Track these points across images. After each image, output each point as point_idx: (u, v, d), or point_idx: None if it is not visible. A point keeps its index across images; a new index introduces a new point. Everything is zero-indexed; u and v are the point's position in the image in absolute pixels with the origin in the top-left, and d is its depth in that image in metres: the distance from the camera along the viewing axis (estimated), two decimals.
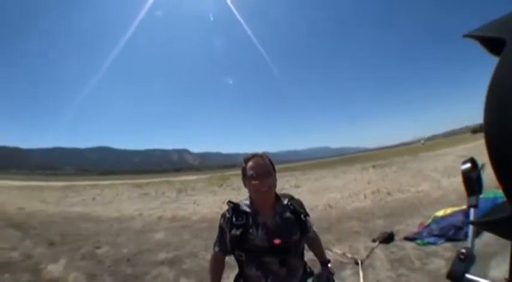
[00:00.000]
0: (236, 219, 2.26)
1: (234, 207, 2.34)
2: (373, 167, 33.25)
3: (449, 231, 6.72)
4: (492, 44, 0.64)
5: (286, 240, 2.22)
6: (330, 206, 12.92)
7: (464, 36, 0.70)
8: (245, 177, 2.34)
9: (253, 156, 2.37)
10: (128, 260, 7.61)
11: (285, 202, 2.42)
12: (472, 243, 1.17)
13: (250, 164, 2.31)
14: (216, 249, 2.42)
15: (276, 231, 2.22)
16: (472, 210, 1.13)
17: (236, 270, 2.40)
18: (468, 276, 1.06)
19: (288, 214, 2.35)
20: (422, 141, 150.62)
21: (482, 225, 0.76)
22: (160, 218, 13.75)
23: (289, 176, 35.40)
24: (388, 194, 14.14)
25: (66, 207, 19.22)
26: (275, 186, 2.34)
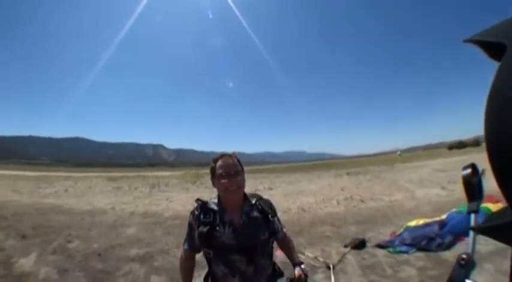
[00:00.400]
0: (204, 217, 2.31)
1: (202, 205, 2.39)
2: (348, 174, 33.50)
3: (422, 241, 6.78)
4: (493, 49, 0.64)
5: (253, 239, 2.29)
6: (303, 210, 13.00)
7: (465, 41, 0.70)
8: (214, 177, 2.38)
9: (222, 155, 2.42)
10: (99, 255, 7.53)
11: (253, 202, 2.48)
12: (472, 249, 1.11)
13: (219, 163, 2.36)
14: (186, 246, 2.45)
15: (243, 230, 2.29)
16: (472, 216, 1.08)
17: (206, 270, 2.45)
18: (468, 281, 1.02)
19: (255, 213, 2.40)
20: (398, 152, 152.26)
21: (483, 231, 0.74)
22: (132, 213, 13.68)
23: (264, 178, 35.58)
24: (361, 201, 14.29)
25: (39, 198, 19.05)
26: (244, 185, 2.40)
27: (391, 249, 6.85)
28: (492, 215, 0.71)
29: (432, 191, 14.13)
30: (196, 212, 2.37)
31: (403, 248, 6.78)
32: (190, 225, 2.40)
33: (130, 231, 10.04)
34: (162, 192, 22.61)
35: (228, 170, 2.30)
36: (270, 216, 2.44)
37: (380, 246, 7.17)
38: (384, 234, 8.14)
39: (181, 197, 19.42)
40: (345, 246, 7.34)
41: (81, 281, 6.03)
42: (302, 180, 29.53)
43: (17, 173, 51.96)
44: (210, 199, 2.47)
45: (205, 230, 2.24)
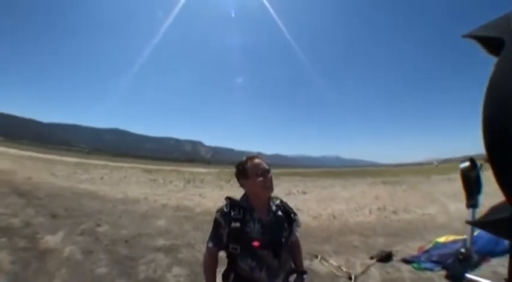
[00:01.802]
0: (234, 213, 2.38)
1: (232, 203, 2.48)
2: (384, 183, 33.00)
3: (448, 259, 6.52)
4: (491, 44, 0.67)
5: (278, 235, 2.43)
6: (334, 217, 12.86)
7: (463, 36, 0.74)
8: (244, 178, 2.49)
9: (251, 157, 2.56)
10: (126, 241, 7.72)
11: (277, 202, 2.62)
12: (471, 243, 1.20)
13: (252, 163, 2.48)
14: (210, 244, 2.49)
15: (270, 227, 2.41)
16: (471, 210, 1.17)
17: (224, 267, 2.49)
18: (468, 276, 1.09)
19: (279, 213, 2.54)
20: (435, 163, 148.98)
21: (481, 226, 0.79)
22: (164, 205, 13.88)
23: (299, 181, 35.38)
24: (394, 212, 14.00)
25: (74, 183, 19.52)
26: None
27: (415, 265, 6.70)
28: (491, 210, 0.74)
29: (464, 206, 13.79)
30: (225, 209, 2.44)
31: (429, 265, 6.60)
32: (217, 223, 2.46)
33: (160, 222, 10.19)
34: (196, 188, 22.81)
35: (263, 168, 2.44)
36: (292, 215, 2.60)
37: (406, 260, 7.02)
38: (412, 248, 7.93)
39: (214, 194, 19.52)
40: (371, 258, 7.22)
41: (103, 263, 6.20)
42: (336, 186, 29.28)
43: (55, 157, 53.57)
44: (237, 198, 2.57)
45: (238, 225, 2.34)
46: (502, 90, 0.59)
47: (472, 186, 1.18)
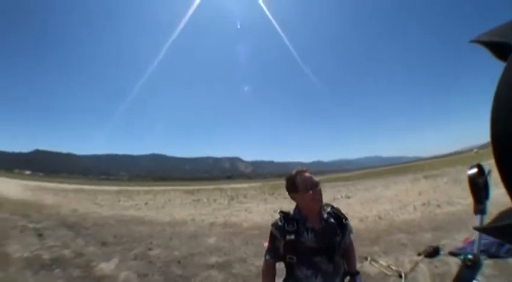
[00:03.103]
0: (288, 226, 2.56)
1: (285, 216, 2.64)
2: (425, 177, 32.73)
3: (492, 248, 6.60)
4: (499, 49, 0.69)
5: (331, 241, 2.58)
6: (380, 218, 12.91)
7: (471, 41, 0.73)
8: (294, 192, 2.64)
9: (299, 171, 2.67)
10: (179, 262, 7.96)
11: (328, 210, 2.76)
12: (478, 249, 1.23)
13: (302, 177, 2.61)
14: (267, 257, 2.70)
15: (323, 234, 2.56)
16: (479, 217, 1.18)
17: (283, 277, 2.69)
18: None
19: (331, 219, 2.68)
20: (475, 150, 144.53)
21: (489, 232, 0.76)
22: (212, 223, 14.07)
23: (341, 186, 35.31)
24: (438, 206, 13.96)
25: (119, 210, 19.99)
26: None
27: (462, 257, 6.70)
28: (499, 215, 0.75)
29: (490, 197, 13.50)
30: (279, 223, 2.61)
31: None
32: (273, 236, 2.65)
33: (210, 240, 10.40)
34: (241, 204, 22.91)
35: (311, 183, 2.58)
36: (343, 220, 2.72)
37: (453, 253, 7.06)
38: (458, 240, 7.97)
39: (260, 208, 19.64)
40: (418, 254, 7.30)
41: None
42: (378, 187, 29.22)
43: (96, 187, 54.26)
44: (289, 211, 2.73)
45: (293, 237, 2.51)
46: (510, 95, 0.63)
47: (480, 192, 1.18)
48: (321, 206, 2.70)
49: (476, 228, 0.97)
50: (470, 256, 1.16)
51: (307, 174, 2.63)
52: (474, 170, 1.19)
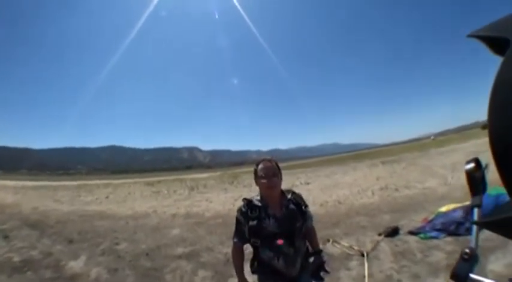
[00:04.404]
0: (251, 213, 2.76)
1: (248, 203, 2.84)
2: (382, 163, 33.58)
3: (451, 226, 6.93)
4: (496, 43, 0.70)
5: (292, 227, 2.77)
6: (339, 202, 13.21)
7: (468, 36, 0.74)
8: (256, 177, 2.86)
9: (263, 160, 2.90)
10: (147, 254, 8.00)
11: (289, 196, 2.93)
12: (476, 243, 1.17)
13: (260, 166, 2.83)
14: (235, 240, 2.91)
15: (283, 221, 2.76)
16: (476, 210, 1.14)
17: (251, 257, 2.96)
18: (472, 276, 1.06)
19: (292, 206, 2.86)
20: (432, 137, 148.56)
21: (486, 226, 0.78)
22: (174, 215, 14.12)
23: (300, 173, 35.84)
24: (396, 190, 14.39)
25: (80, 205, 19.69)
26: (280, 184, 2.84)
27: (422, 235, 7.05)
28: (496, 209, 0.77)
29: (464, 176, 13.95)
30: (243, 209, 2.81)
31: (434, 234, 6.96)
32: (238, 221, 2.84)
33: (175, 232, 10.47)
34: (201, 194, 22.97)
35: (267, 172, 2.76)
36: (303, 207, 2.90)
37: (412, 232, 7.38)
38: (417, 221, 8.32)
39: (221, 197, 19.74)
40: (379, 234, 7.57)
41: (132, 279, 6.47)
42: (337, 173, 29.69)
43: (55, 183, 53.24)
44: (252, 197, 2.92)
45: (255, 223, 2.71)
46: (508, 90, 0.63)
47: (477, 186, 1.17)
48: (281, 194, 2.89)
49: (474, 223, 1.06)
50: (467, 250, 1.11)
51: (267, 164, 2.83)
52: (471, 165, 1.19)
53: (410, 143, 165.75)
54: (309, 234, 3.10)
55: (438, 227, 7.15)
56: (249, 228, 2.74)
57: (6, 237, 10.35)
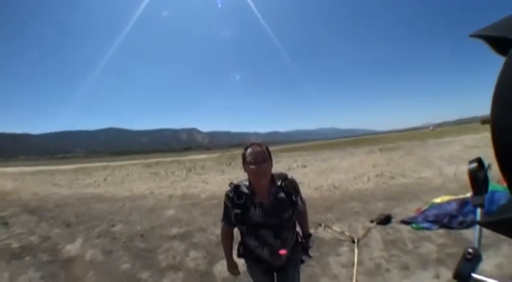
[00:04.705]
0: (237, 199, 2.69)
1: (235, 188, 2.75)
2: (380, 150, 33.51)
3: (444, 219, 6.88)
4: (499, 43, 0.69)
5: (279, 217, 2.68)
6: (334, 187, 13.23)
7: (471, 35, 0.74)
8: (244, 163, 2.70)
9: (252, 144, 2.73)
10: (142, 235, 8.13)
11: (279, 183, 2.76)
12: (479, 243, 1.18)
13: (249, 150, 2.66)
14: (223, 223, 2.89)
15: (271, 210, 2.67)
16: (478, 210, 1.16)
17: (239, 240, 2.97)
18: (475, 276, 1.07)
19: (281, 194, 2.72)
20: (431, 127, 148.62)
21: (489, 225, 0.76)
22: (171, 196, 14.25)
23: (298, 156, 36.24)
24: (391, 177, 14.37)
25: (78, 189, 19.79)
26: (270, 171, 2.68)
27: (414, 225, 7.02)
28: (498, 209, 0.76)
29: (460, 168, 13.81)
30: (230, 195, 2.73)
31: (426, 225, 6.93)
32: (225, 205, 2.78)
33: (170, 213, 10.60)
34: (199, 175, 23.06)
35: (256, 157, 2.58)
36: (293, 197, 2.74)
37: (404, 222, 7.35)
38: (410, 210, 8.27)
39: (217, 178, 19.84)
40: (371, 221, 7.58)
41: (125, 259, 6.59)
42: (335, 158, 29.75)
43: (53, 167, 53.35)
44: (241, 182, 2.81)
45: (240, 211, 2.64)
46: (511, 89, 0.61)
47: (479, 185, 1.17)
48: (271, 180, 2.73)
49: (477, 223, 1.09)
50: (470, 249, 1.12)
51: (257, 149, 2.66)
52: (474, 164, 1.17)
53: (409, 132, 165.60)
54: (300, 218, 3.06)
55: (431, 218, 7.10)
56: (234, 215, 2.69)
57: (5, 224, 10.48)
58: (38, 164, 78.39)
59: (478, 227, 1.20)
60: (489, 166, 1.20)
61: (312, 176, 17.41)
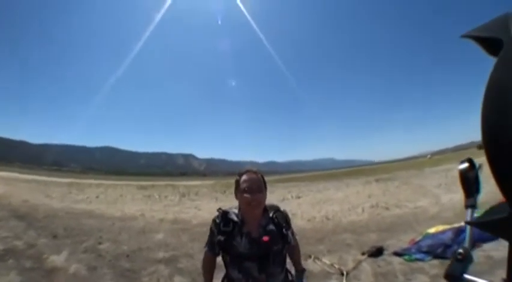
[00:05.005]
0: (224, 226, 2.49)
1: (223, 215, 2.55)
2: (376, 180, 33.41)
3: (438, 249, 6.75)
4: (489, 44, 0.69)
5: (266, 250, 2.44)
6: (327, 218, 13.09)
7: (462, 36, 0.74)
8: (237, 190, 2.53)
9: (248, 170, 2.56)
10: (128, 256, 8.02)
11: (270, 215, 2.60)
12: (470, 243, 1.16)
13: (244, 177, 2.49)
14: (206, 249, 2.67)
15: (258, 242, 2.43)
16: (469, 211, 1.13)
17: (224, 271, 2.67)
18: (466, 276, 1.06)
19: (271, 226, 2.53)
20: (429, 156, 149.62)
21: (480, 226, 0.79)
22: (162, 219, 14.11)
23: (293, 186, 35.90)
24: (386, 208, 14.27)
25: (70, 203, 19.70)
26: (264, 202, 2.52)
27: (406, 257, 6.88)
28: (490, 210, 0.76)
29: (457, 196, 13.79)
30: (217, 220, 2.54)
31: (419, 256, 6.79)
32: (211, 231, 2.58)
33: (159, 236, 10.45)
34: (192, 201, 22.99)
35: (251, 186, 2.43)
36: (284, 230, 2.55)
37: (397, 254, 7.20)
38: (404, 241, 8.16)
39: (210, 205, 19.50)
40: (362, 253, 7.42)
41: (109, 277, 6.52)
42: (330, 188, 29.58)
43: (48, 178, 53.64)
44: (231, 208, 2.64)
45: (223, 239, 2.44)
46: (502, 90, 0.61)
47: (470, 186, 1.15)
48: (263, 211, 2.57)
49: (467, 223, 1.03)
50: (461, 250, 1.10)
51: (253, 176, 2.51)
52: (465, 165, 1.18)
53: (407, 161, 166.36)
54: (292, 252, 2.86)
55: (424, 249, 6.97)
56: (217, 242, 2.50)
57: None
58: (33, 173, 78.88)
59: (468, 227, 1.17)
60: (480, 167, 1.18)
61: (305, 207, 17.26)
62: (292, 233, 2.74)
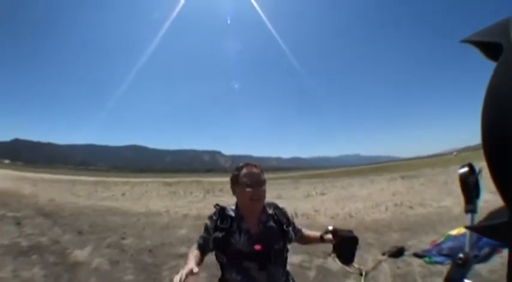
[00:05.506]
0: (221, 223, 2.33)
1: (220, 211, 2.42)
2: (402, 178, 33.08)
3: (459, 252, 6.61)
4: (489, 49, 0.69)
5: (267, 248, 2.29)
6: (350, 216, 13.06)
7: (462, 41, 0.74)
8: (236, 185, 2.43)
9: (247, 164, 2.46)
10: (150, 250, 8.21)
11: (270, 211, 2.50)
12: (469, 248, 1.19)
13: (244, 171, 2.38)
14: (195, 245, 2.37)
15: (258, 239, 2.29)
16: (469, 216, 1.15)
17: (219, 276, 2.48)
18: (466, 281, 1.07)
19: (271, 223, 2.43)
20: (454, 153, 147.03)
21: (480, 231, 0.79)
22: (185, 215, 14.30)
23: (318, 182, 35.89)
24: (410, 207, 14.09)
25: (96, 200, 20.07)
26: (265, 196, 2.40)
27: (427, 259, 6.72)
28: (490, 214, 0.76)
29: (483, 195, 13.64)
30: (214, 217, 2.38)
31: (439, 259, 6.58)
32: (206, 228, 2.39)
33: (182, 232, 10.63)
34: (216, 197, 22.98)
35: (253, 180, 2.32)
36: (284, 226, 2.45)
37: (417, 255, 7.02)
38: (425, 242, 8.00)
39: (234, 201, 19.51)
40: (383, 253, 7.36)
41: (130, 271, 6.69)
42: (355, 185, 29.53)
43: (74, 177, 54.32)
44: (228, 205, 2.52)
45: (221, 236, 2.26)
46: (501, 95, 0.61)
47: (470, 191, 1.17)
48: (262, 208, 2.46)
49: (468, 227, 1.05)
50: (461, 254, 1.13)
51: (254, 170, 2.40)
52: (465, 169, 1.19)
53: (432, 158, 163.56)
54: (304, 237, 2.77)
55: (445, 251, 6.68)
56: (213, 239, 2.29)
57: (18, 223, 10.84)
58: (59, 173, 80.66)
59: (468, 232, 1.21)
60: (480, 171, 1.20)
61: (329, 203, 17.24)
62: (295, 226, 2.67)
